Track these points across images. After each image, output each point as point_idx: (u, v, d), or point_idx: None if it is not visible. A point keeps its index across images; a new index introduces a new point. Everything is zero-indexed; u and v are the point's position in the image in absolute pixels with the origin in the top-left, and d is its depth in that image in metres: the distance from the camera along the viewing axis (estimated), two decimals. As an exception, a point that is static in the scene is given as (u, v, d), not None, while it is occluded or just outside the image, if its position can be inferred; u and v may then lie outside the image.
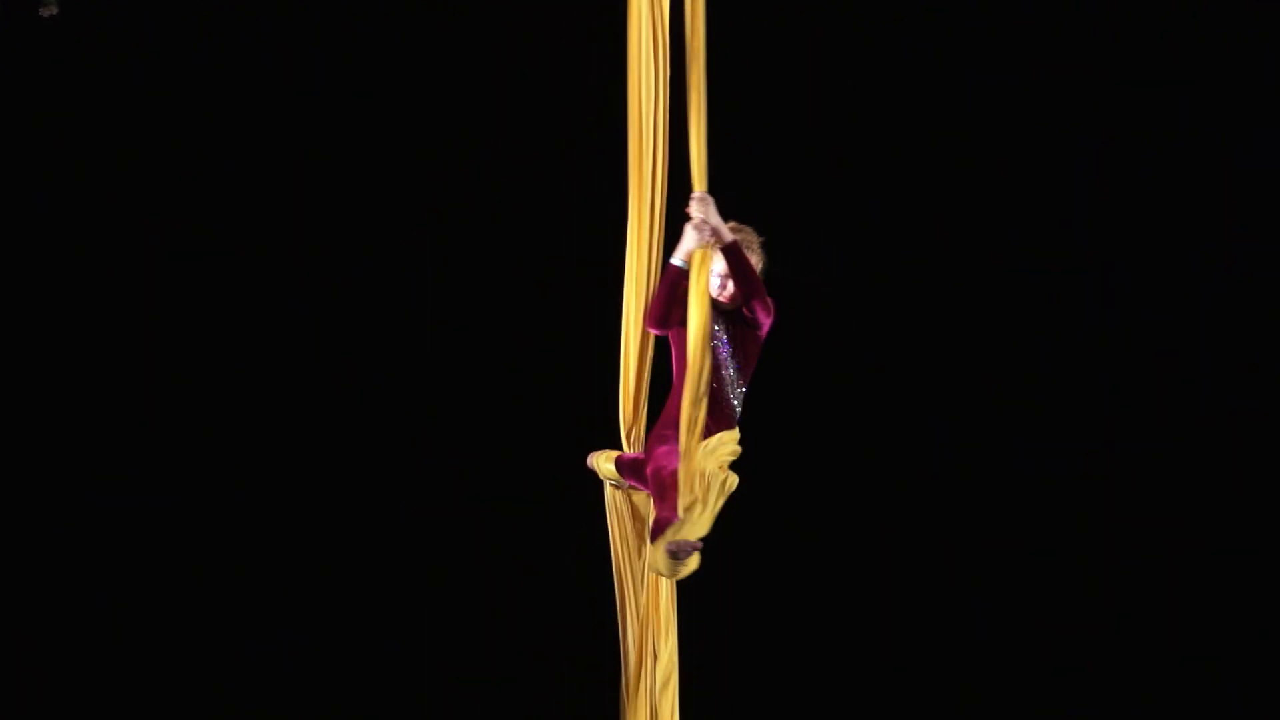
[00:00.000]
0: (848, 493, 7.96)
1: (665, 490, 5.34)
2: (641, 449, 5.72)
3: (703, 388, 5.29)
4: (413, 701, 7.86)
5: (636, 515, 5.79)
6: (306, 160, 7.83)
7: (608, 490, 5.84)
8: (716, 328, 5.53)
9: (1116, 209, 7.89)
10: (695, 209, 5.42)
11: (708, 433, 5.40)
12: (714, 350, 5.50)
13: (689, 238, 5.45)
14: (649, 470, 5.50)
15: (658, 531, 5.21)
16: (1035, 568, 7.92)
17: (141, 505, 7.77)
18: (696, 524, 5.21)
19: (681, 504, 5.21)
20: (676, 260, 5.50)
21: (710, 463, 5.36)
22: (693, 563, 5.18)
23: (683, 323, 5.43)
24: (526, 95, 7.86)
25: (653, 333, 5.61)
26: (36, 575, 7.73)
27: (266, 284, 7.87)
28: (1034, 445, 7.94)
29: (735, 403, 5.53)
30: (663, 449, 5.47)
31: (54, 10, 7.28)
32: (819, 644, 7.96)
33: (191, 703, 7.75)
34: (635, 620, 5.78)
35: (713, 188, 5.43)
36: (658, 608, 5.72)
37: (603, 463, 5.84)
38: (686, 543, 5.12)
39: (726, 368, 5.54)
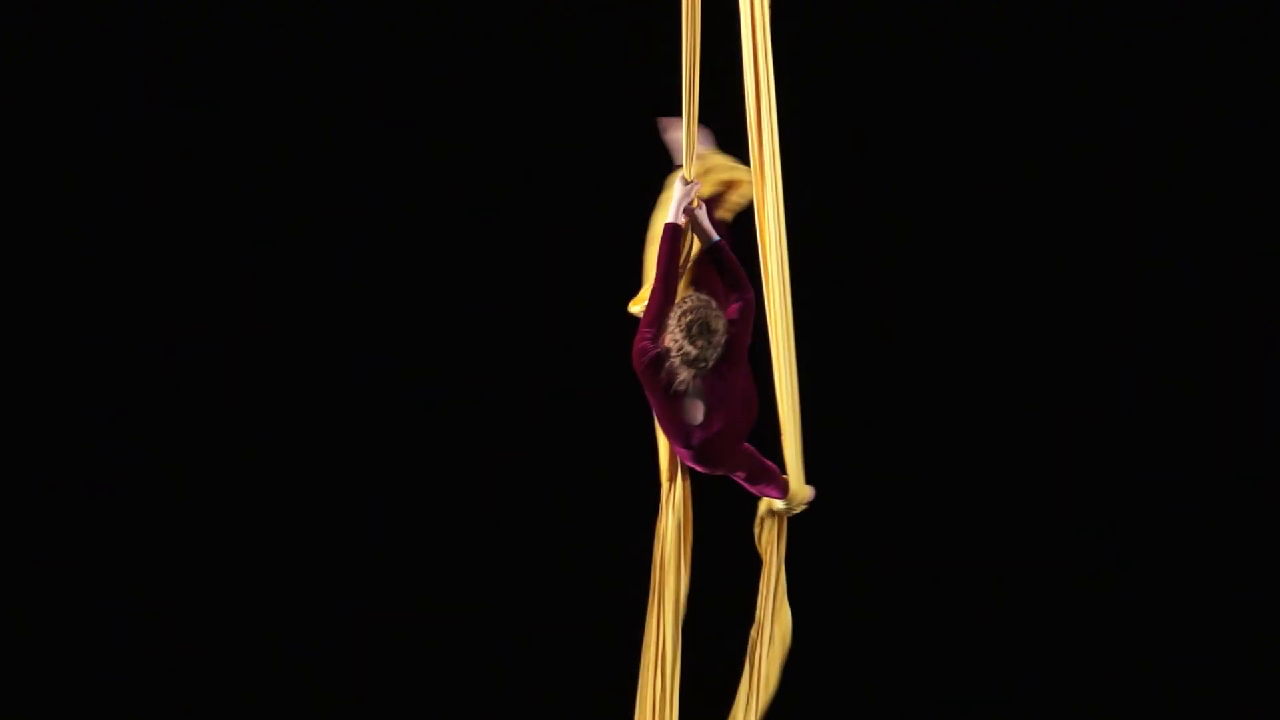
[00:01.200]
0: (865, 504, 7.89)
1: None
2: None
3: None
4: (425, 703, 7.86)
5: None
6: (304, 157, 7.81)
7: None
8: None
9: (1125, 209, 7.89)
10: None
11: None
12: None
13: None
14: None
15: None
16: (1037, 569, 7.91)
17: (138, 504, 7.78)
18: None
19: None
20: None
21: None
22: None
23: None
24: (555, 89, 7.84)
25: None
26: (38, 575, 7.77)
27: (271, 280, 7.86)
28: (1036, 445, 7.94)
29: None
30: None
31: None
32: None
33: (188, 703, 7.75)
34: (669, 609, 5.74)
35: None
36: (770, 578, 5.73)
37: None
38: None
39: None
